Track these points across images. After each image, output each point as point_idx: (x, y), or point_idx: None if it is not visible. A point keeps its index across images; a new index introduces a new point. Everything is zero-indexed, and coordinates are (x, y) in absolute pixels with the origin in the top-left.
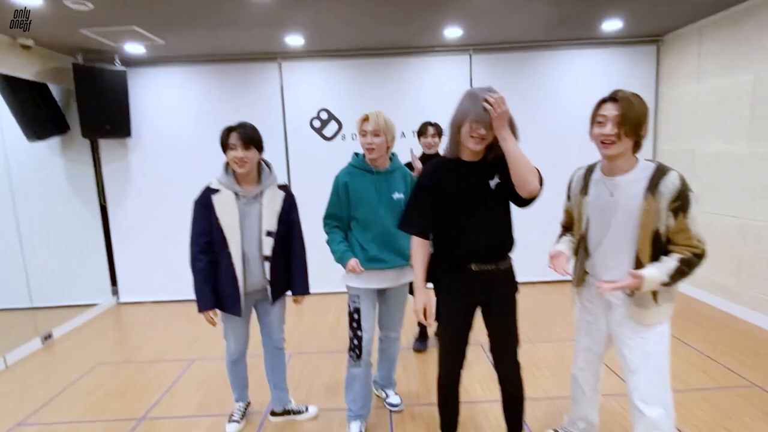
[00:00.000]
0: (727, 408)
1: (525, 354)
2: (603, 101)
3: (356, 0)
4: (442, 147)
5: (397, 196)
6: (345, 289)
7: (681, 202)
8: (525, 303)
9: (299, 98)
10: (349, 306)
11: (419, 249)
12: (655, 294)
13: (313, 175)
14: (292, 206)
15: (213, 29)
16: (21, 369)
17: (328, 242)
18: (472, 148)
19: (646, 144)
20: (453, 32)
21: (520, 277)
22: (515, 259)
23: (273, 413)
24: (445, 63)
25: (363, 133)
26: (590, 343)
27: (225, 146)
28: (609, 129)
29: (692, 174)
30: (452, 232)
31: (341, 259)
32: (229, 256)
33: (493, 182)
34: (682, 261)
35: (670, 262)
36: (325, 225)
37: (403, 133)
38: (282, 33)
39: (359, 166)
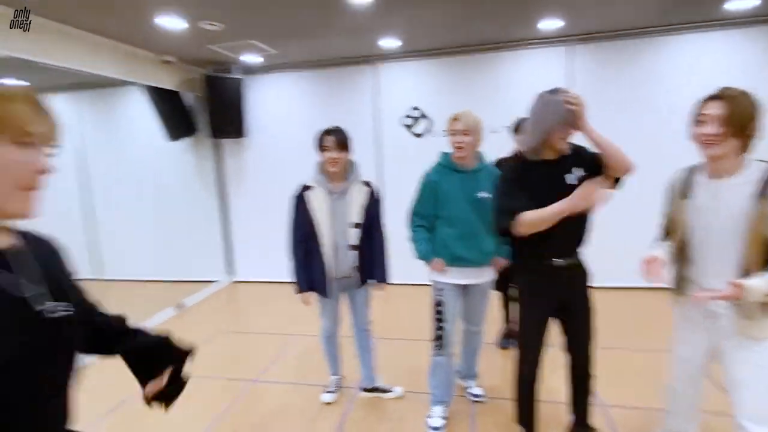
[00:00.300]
0: None
1: (616, 361)
2: (707, 99)
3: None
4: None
5: (483, 195)
6: (429, 282)
7: None
8: (613, 309)
9: (392, 97)
10: (434, 299)
11: (532, 212)
12: (766, 305)
13: (404, 170)
14: (374, 200)
15: (317, 37)
16: None
17: (412, 240)
18: (563, 148)
19: None
20: (551, 24)
21: (610, 282)
22: (605, 262)
23: (364, 389)
24: (537, 56)
25: (452, 132)
26: (690, 354)
27: (321, 147)
28: (711, 128)
29: None
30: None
31: (425, 258)
32: (321, 245)
33: (573, 176)
34: None
35: None
36: (411, 222)
37: (494, 130)
38: (378, 37)
39: (447, 164)
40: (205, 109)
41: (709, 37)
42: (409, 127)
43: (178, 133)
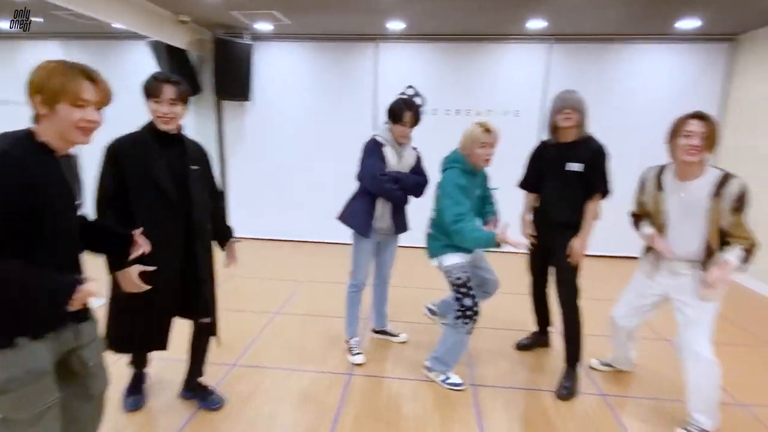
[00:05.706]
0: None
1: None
2: (689, 117)
3: None
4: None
5: (479, 192)
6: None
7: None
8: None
9: (390, 75)
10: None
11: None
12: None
13: None
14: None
15: (334, 14)
16: None
17: (469, 232)
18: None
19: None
20: (536, 23)
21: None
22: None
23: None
24: (522, 51)
25: (483, 145)
26: (639, 301)
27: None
28: (695, 141)
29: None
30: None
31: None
32: None
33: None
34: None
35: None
36: (461, 221)
37: (478, 113)
38: (387, 19)
39: (466, 169)
40: (212, 71)
41: (662, 48)
42: None
43: None
